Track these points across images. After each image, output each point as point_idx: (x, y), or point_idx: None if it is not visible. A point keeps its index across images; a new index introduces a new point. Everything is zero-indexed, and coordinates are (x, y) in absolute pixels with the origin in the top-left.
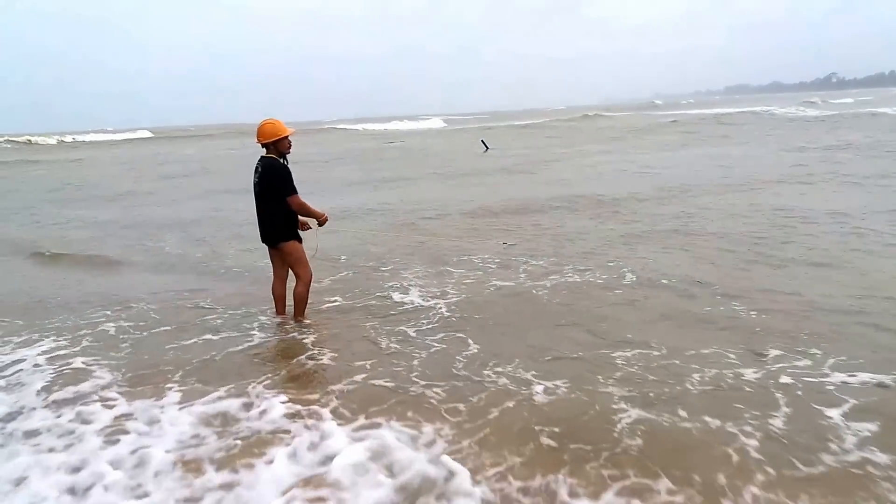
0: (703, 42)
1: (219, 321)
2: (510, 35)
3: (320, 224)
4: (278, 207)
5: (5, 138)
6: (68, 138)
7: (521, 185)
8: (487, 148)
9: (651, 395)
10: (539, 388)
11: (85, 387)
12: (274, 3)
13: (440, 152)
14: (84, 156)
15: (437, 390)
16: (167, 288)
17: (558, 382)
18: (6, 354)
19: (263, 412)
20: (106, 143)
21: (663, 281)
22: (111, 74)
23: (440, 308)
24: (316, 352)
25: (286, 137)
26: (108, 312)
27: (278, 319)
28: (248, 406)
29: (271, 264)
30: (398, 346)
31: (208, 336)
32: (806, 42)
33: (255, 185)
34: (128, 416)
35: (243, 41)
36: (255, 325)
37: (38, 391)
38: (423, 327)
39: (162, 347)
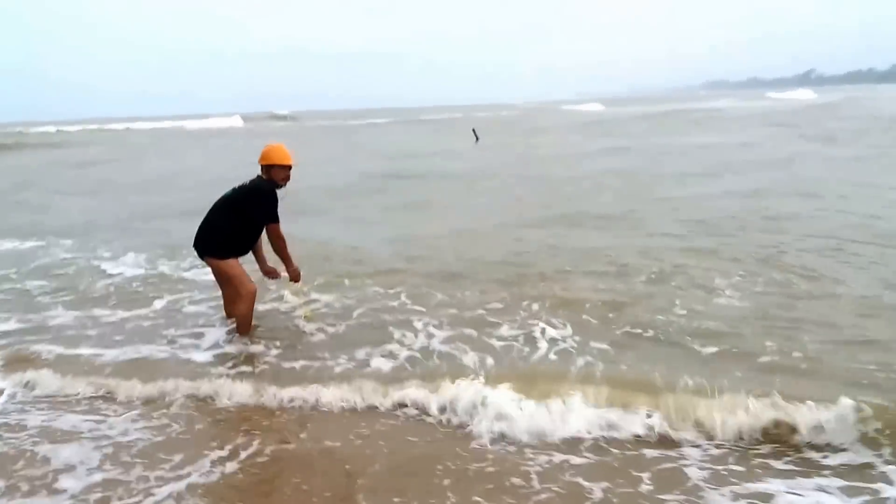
0: (677, 36)
1: None
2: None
3: (292, 279)
4: (237, 223)
5: None
6: None
7: None
8: (478, 138)
9: None
10: None
11: None
12: None
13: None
14: None
15: None
16: None
17: None
18: None
19: None
20: None
21: None
22: None
23: None
24: None
25: (279, 167)
26: None
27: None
28: None
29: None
30: None
31: None
32: (782, 38)
33: (231, 192)
34: None
35: None
36: None
37: None
38: None
39: None
